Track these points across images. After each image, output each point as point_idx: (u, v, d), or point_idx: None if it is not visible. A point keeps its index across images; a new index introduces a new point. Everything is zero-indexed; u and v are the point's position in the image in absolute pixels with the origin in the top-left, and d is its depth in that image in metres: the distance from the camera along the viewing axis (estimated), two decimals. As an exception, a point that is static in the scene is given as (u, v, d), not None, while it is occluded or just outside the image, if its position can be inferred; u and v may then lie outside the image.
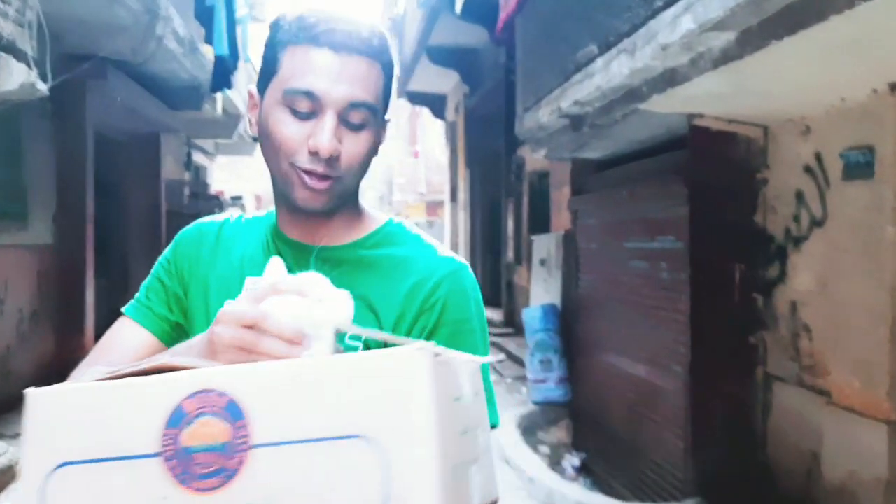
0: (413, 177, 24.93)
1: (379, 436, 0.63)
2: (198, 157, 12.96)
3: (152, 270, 1.17)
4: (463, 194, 13.49)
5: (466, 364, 0.74)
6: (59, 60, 5.36)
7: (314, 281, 0.81)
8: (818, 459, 3.38)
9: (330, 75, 0.96)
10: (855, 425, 3.10)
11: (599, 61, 3.77)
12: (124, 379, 0.71)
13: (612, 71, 3.61)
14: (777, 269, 3.83)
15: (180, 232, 1.19)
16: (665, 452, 4.40)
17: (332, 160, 0.98)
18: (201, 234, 1.16)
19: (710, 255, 3.97)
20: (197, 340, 0.86)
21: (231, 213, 1.21)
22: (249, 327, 0.78)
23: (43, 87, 4.16)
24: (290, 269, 1.01)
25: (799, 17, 2.42)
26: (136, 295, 1.16)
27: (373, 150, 1.05)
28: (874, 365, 3.00)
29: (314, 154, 0.97)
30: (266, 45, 1.02)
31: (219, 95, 9.65)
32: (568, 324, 6.24)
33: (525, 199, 9.30)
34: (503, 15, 5.02)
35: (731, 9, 2.51)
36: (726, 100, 3.52)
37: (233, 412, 0.65)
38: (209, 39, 7.49)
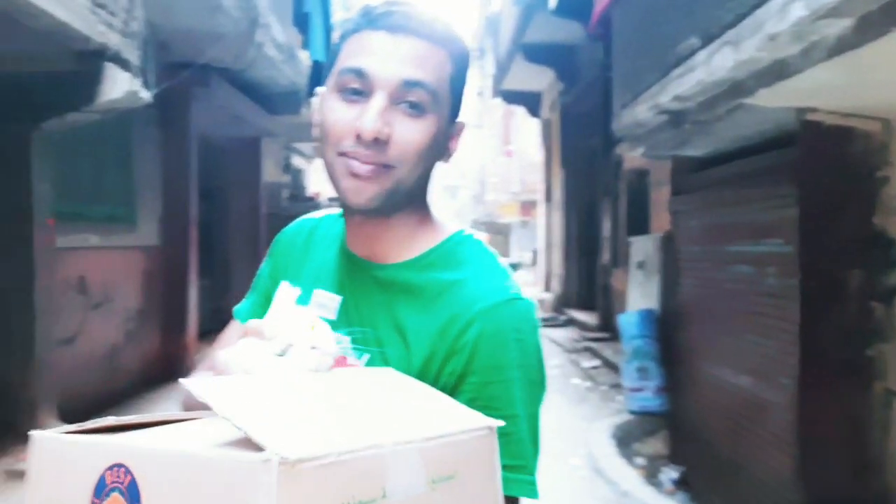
0: (506, 176, 24.83)
1: None
2: (296, 161, 13.31)
3: (259, 270, 1.15)
4: (558, 194, 13.30)
5: (420, 447, 0.63)
6: (165, 69, 5.58)
7: (291, 325, 0.79)
8: (948, 486, 3.10)
9: (382, 54, 0.88)
10: None
11: (701, 54, 3.59)
12: (85, 435, 0.70)
13: (714, 64, 3.43)
14: (899, 276, 3.55)
15: (282, 230, 1.15)
16: (771, 471, 4.15)
17: (380, 144, 0.88)
18: (296, 233, 1.11)
19: (823, 260, 3.72)
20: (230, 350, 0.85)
21: (333, 210, 1.14)
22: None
23: (146, 95, 4.32)
24: (344, 288, 0.98)
25: (928, 0, 2.21)
26: (247, 295, 1.14)
27: (435, 143, 0.92)
28: None
29: (358, 137, 0.88)
30: (333, 46, 0.97)
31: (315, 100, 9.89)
32: (667, 330, 6.00)
33: (623, 199, 9.06)
34: (597, 9, 4.87)
35: None
36: (841, 92, 3.28)
37: (132, 493, 0.64)
38: (307, 45, 7.65)
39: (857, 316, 3.71)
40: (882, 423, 3.68)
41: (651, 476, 5.26)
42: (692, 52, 3.70)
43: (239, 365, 0.76)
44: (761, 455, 4.26)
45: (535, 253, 18.86)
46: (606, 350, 8.42)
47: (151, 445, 0.66)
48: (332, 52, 0.96)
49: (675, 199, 5.77)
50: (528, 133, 20.70)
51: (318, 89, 0.99)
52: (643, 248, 7.02)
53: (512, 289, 0.91)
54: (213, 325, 8.71)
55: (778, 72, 3.09)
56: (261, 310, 1.06)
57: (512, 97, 15.05)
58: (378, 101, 0.88)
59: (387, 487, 0.60)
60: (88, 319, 5.73)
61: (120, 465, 0.64)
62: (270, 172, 11.06)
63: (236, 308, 1.14)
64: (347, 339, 0.91)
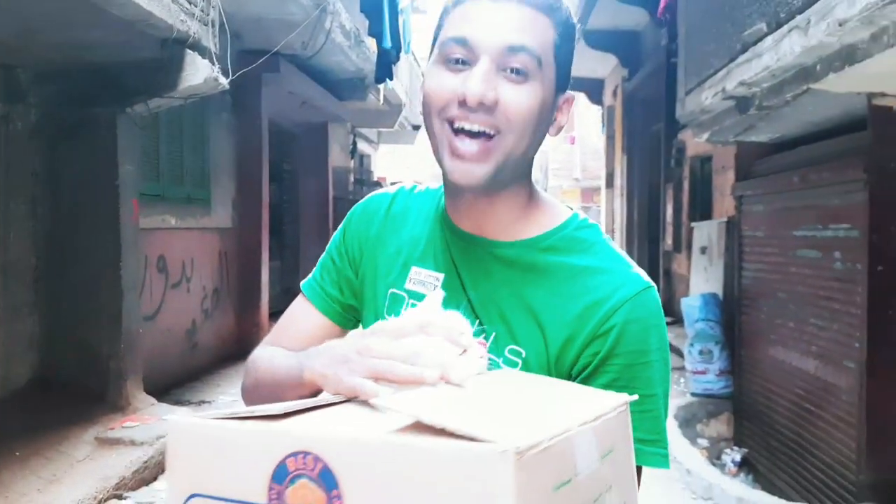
0: (568, 162, 24.66)
1: None
2: (362, 146, 13.53)
3: (328, 246, 1.12)
4: (620, 180, 13.20)
5: (592, 427, 0.67)
6: (237, 56, 5.80)
7: (461, 329, 0.80)
8: None
9: (485, 20, 0.88)
10: None
11: (769, 39, 3.58)
12: (249, 422, 0.71)
13: (782, 49, 3.42)
14: (971, 261, 3.50)
15: (353, 209, 1.12)
16: (836, 453, 4.15)
17: (486, 109, 0.87)
18: (372, 210, 1.08)
19: (891, 245, 3.70)
20: (334, 352, 0.84)
21: (406, 184, 1.13)
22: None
23: (224, 82, 4.51)
24: (456, 264, 0.98)
25: None
26: (314, 271, 1.13)
27: (541, 110, 0.91)
28: None
29: (463, 103, 0.87)
30: (438, 21, 0.96)
31: (381, 86, 10.03)
32: (730, 314, 5.99)
33: (685, 185, 8.98)
34: (664, -4, 4.87)
35: None
36: None
37: (327, 480, 0.64)
38: (372, 32, 7.78)
39: (925, 301, 3.70)
40: (949, 409, 3.66)
41: (714, 457, 5.28)
42: (760, 38, 3.69)
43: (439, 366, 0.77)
44: (825, 437, 4.27)
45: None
46: (669, 334, 8.39)
47: (348, 434, 0.67)
48: (435, 32, 0.96)
49: (739, 185, 5.74)
50: (590, 119, 20.51)
51: (424, 69, 1.00)
52: (706, 232, 6.98)
53: (645, 278, 0.94)
54: (283, 304, 8.88)
55: (847, 57, 3.07)
56: (336, 290, 1.08)
57: (574, 83, 14.74)
58: (483, 65, 0.87)
59: (577, 466, 0.64)
60: (168, 297, 6.01)
61: (306, 453, 0.64)
62: (337, 157, 11.29)
63: (305, 284, 1.11)
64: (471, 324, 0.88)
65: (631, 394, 0.78)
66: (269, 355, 1.02)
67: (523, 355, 0.91)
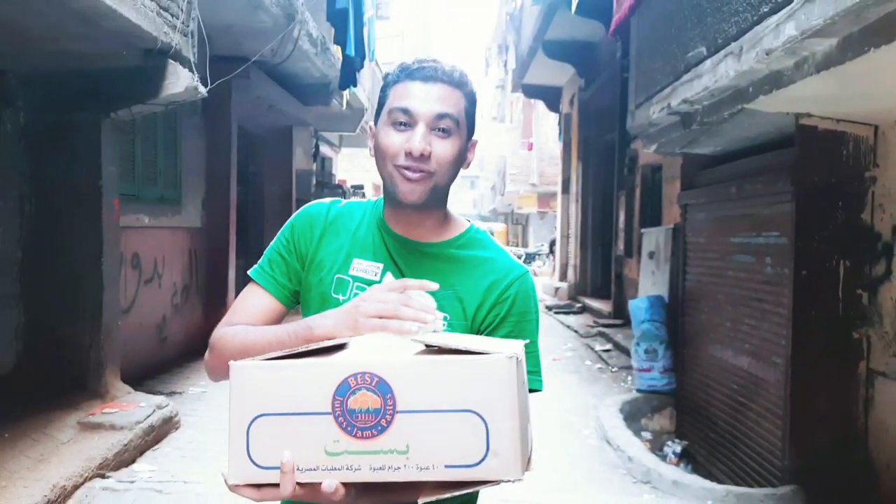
0: (526, 168, 25.09)
1: (483, 411, 0.93)
2: (324, 149, 13.71)
3: (273, 244, 1.44)
4: (575, 186, 13.59)
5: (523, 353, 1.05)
6: (207, 62, 5.99)
7: (429, 302, 1.21)
8: (917, 453, 3.46)
9: (420, 97, 1.28)
10: (952, 419, 3.16)
11: (708, 62, 3.90)
12: (305, 359, 0.99)
13: (720, 72, 3.73)
14: (883, 267, 3.87)
15: (295, 216, 1.45)
16: (765, 441, 4.52)
17: (424, 158, 1.27)
18: (314, 216, 1.42)
19: (814, 251, 4.05)
20: (338, 311, 1.20)
21: (335, 199, 1.48)
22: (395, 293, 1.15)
23: (203, 90, 4.74)
24: (393, 257, 1.37)
25: (896, 27, 2.54)
26: (260, 262, 1.43)
27: (459, 157, 1.33)
28: (972, 361, 3.07)
29: (409, 154, 1.27)
30: (381, 90, 1.37)
31: (345, 91, 10.26)
32: (674, 315, 6.36)
33: (637, 193, 9.35)
34: (616, 17, 5.22)
35: (830, 17, 2.63)
36: (833, 100, 3.59)
37: (382, 388, 0.94)
38: (338, 40, 8.02)
39: (844, 302, 4.05)
40: (865, 400, 4.03)
41: (657, 449, 5.65)
42: (700, 60, 4.03)
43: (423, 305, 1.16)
44: (756, 428, 4.65)
45: (552, 243, 19.17)
46: (618, 335, 8.78)
47: (395, 357, 0.99)
48: (380, 98, 1.35)
49: (684, 194, 6.13)
50: (548, 126, 20.95)
51: (370, 124, 1.39)
52: (654, 238, 7.37)
53: (523, 265, 1.41)
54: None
55: (774, 81, 3.41)
56: (286, 279, 1.39)
57: (532, 91, 15.34)
58: (421, 128, 1.27)
59: (524, 377, 1.04)
60: (141, 293, 6.20)
61: (363, 373, 0.94)
62: (301, 160, 11.47)
63: (255, 274, 1.42)
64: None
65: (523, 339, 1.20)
66: (243, 329, 1.32)
67: (448, 319, 1.30)
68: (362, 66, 8.96)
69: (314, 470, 0.95)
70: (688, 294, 6.02)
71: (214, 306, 7.58)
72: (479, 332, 1.32)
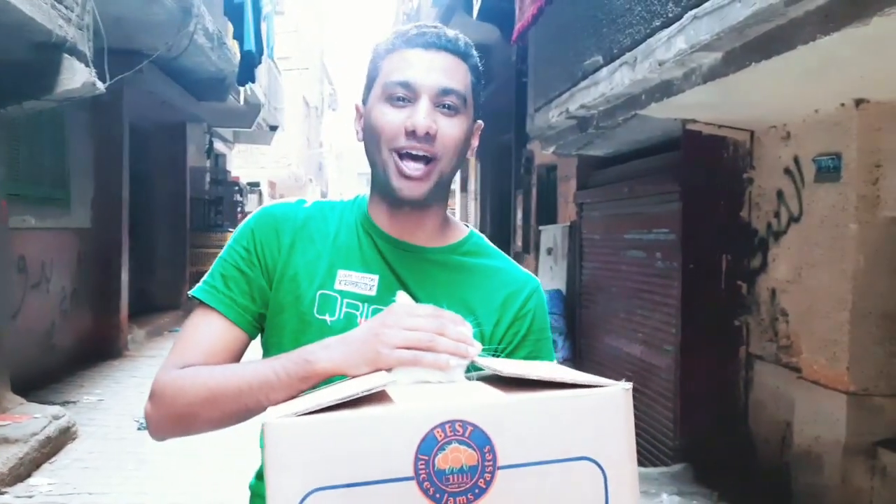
0: (422, 166, 25.19)
1: (599, 457, 0.76)
2: (217, 145, 13.36)
3: (224, 256, 1.13)
4: (473, 185, 13.82)
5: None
6: (100, 55, 5.76)
7: (464, 322, 0.93)
8: (791, 428, 3.78)
9: (422, 67, 1.06)
10: (820, 397, 3.50)
11: (604, 71, 4.13)
12: (369, 408, 0.75)
13: (615, 80, 3.95)
14: (759, 260, 4.21)
15: (252, 220, 1.15)
16: (657, 423, 4.82)
17: (429, 138, 1.04)
18: (277, 220, 1.13)
19: (700, 246, 4.36)
20: (345, 340, 0.92)
21: (304, 199, 1.21)
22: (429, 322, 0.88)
23: (101, 87, 4.58)
24: (392, 266, 1.12)
25: (773, 45, 2.79)
26: (207, 280, 1.12)
27: (466, 140, 1.10)
28: (837, 344, 3.41)
29: (411, 134, 1.04)
30: (369, 62, 1.13)
31: (242, 87, 10.07)
32: (572, 308, 6.64)
33: (534, 192, 9.60)
34: (518, 26, 5.40)
35: (717, 34, 2.87)
36: (716, 108, 3.88)
37: (478, 439, 0.73)
38: (237, 35, 7.87)
39: (726, 293, 4.38)
40: (745, 381, 4.37)
41: (556, 436, 5.87)
42: (597, 69, 4.26)
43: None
44: (649, 411, 4.94)
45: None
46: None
47: (490, 399, 0.78)
48: (370, 71, 1.12)
49: (579, 193, 6.42)
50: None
51: (357, 103, 1.16)
52: (552, 235, 7.62)
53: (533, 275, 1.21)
54: (139, 306, 8.86)
55: (665, 90, 3.65)
56: (248, 300, 1.09)
57: (428, 91, 15.42)
58: (425, 103, 1.05)
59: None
60: (27, 298, 5.90)
61: (454, 421, 0.73)
62: (194, 157, 11.15)
63: (206, 295, 1.10)
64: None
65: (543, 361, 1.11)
66: (206, 371, 1.02)
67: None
68: (261, 62, 8.84)
69: None
70: (584, 288, 6.30)
71: (106, 311, 7.32)
72: (495, 354, 1.08)
